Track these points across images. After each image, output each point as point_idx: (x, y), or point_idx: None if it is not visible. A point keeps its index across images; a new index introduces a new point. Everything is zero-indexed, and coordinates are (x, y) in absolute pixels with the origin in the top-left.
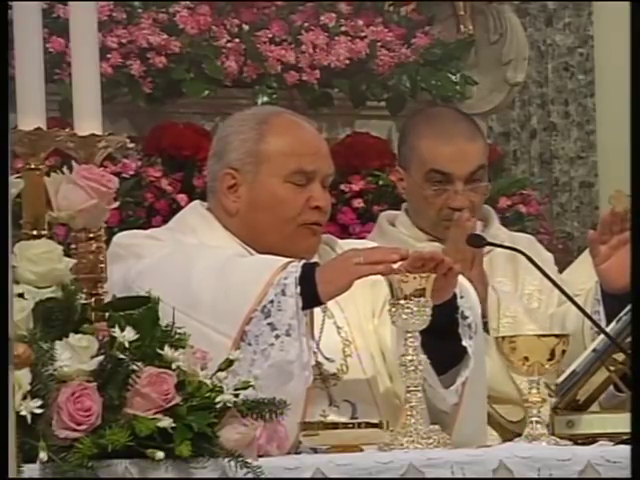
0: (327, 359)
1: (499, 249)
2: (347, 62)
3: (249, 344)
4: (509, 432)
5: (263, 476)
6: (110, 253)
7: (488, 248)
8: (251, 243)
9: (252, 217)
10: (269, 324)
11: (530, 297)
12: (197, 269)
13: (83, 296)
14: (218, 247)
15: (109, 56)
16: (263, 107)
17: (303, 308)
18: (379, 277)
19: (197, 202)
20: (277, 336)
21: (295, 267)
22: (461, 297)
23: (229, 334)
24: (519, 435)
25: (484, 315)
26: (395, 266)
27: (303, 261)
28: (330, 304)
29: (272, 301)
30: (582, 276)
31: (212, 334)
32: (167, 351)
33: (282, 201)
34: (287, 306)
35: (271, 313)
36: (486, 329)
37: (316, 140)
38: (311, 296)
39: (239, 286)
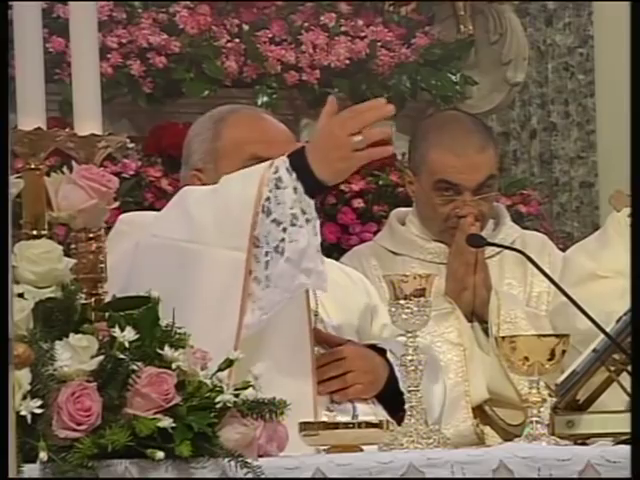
0: None
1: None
2: (347, 62)
3: (261, 247)
4: (511, 435)
5: (263, 476)
6: (115, 231)
7: (498, 249)
8: None
9: None
10: (273, 220)
11: (539, 299)
12: (192, 200)
13: (83, 296)
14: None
15: (109, 56)
16: (222, 107)
17: (308, 193)
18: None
19: None
20: (284, 229)
21: (282, 159)
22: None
23: (240, 246)
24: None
25: (485, 320)
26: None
27: (287, 152)
28: (320, 310)
29: (268, 198)
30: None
31: (224, 253)
32: (167, 351)
33: None
34: (284, 197)
35: (271, 210)
36: (487, 333)
37: (273, 128)
38: (312, 181)
39: (236, 198)
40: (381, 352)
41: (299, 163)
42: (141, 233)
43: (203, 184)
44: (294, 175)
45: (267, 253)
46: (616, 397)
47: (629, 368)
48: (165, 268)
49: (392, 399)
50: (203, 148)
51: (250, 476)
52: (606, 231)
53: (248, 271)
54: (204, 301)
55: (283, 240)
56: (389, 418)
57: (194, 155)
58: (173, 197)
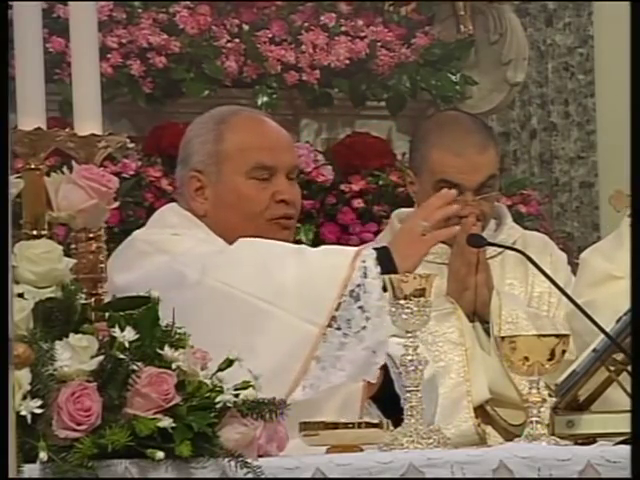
0: None
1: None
2: (347, 62)
3: (338, 328)
4: (513, 435)
5: (263, 476)
6: (137, 250)
7: (500, 249)
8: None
9: (221, 217)
10: (360, 307)
11: (540, 299)
12: (273, 258)
13: (83, 296)
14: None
15: (109, 56)
16: (222, 108)
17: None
18: None
19: (173, 204)
20: (367, 318)
21: (370, 251)
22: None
23: (316, 321)
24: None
25: (486, 320)
26: (454, 208)
27: (372, 244)
28: None
29: (359, 285)
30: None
31: (297, 322)
32: (167, 351)
33: (247, 198)
34: (372, 288)
35: (360, 297)
36: (488, 334)
37: (275, 133)
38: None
39: (322, 274)
40: None
41: (384, 257)
42: (167, 258)
43: (202, 186)
44: (379, 269)
45: (346, 335)
46: (624, 395)
47: (629, 368)
48: (230, 317)
49: (388, 401)
50: (205, 150)
51: (250, 476)
52: (621, 232)
53: (314, 347)
54: (258, 362)
55: (365, 328)
56: (384, 419)
57: (194, 156)
58: (236, 244)
